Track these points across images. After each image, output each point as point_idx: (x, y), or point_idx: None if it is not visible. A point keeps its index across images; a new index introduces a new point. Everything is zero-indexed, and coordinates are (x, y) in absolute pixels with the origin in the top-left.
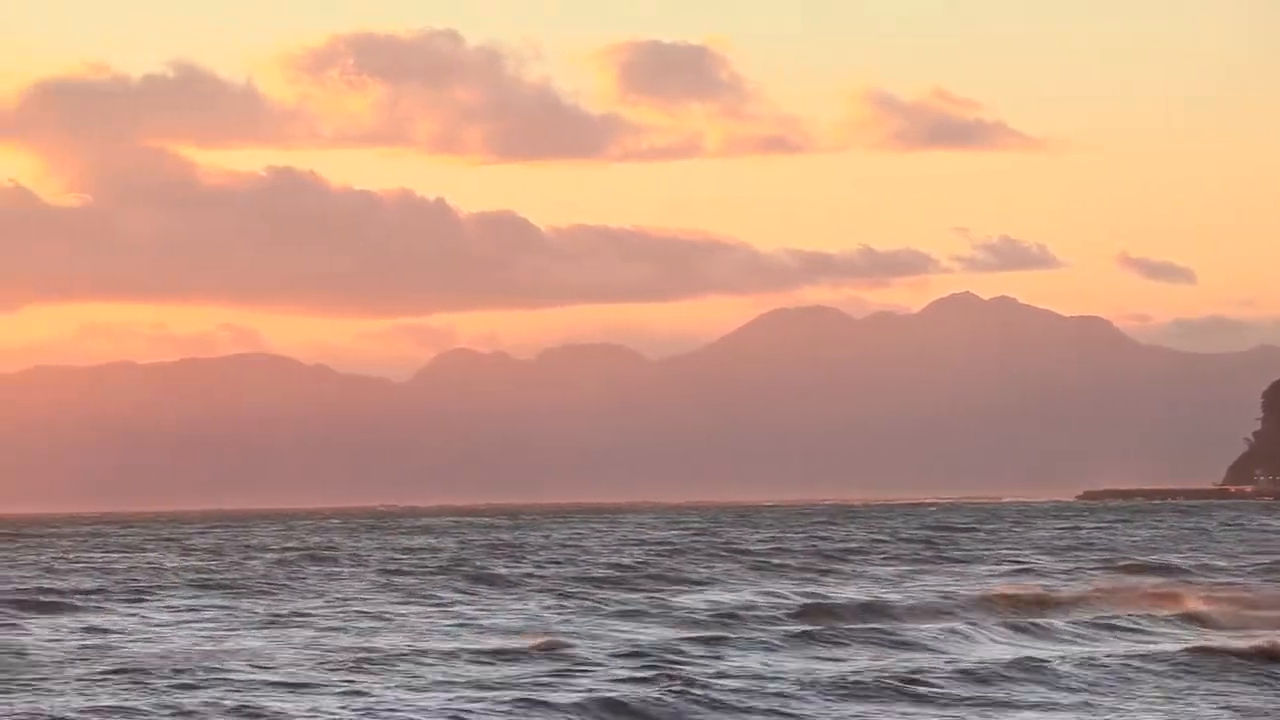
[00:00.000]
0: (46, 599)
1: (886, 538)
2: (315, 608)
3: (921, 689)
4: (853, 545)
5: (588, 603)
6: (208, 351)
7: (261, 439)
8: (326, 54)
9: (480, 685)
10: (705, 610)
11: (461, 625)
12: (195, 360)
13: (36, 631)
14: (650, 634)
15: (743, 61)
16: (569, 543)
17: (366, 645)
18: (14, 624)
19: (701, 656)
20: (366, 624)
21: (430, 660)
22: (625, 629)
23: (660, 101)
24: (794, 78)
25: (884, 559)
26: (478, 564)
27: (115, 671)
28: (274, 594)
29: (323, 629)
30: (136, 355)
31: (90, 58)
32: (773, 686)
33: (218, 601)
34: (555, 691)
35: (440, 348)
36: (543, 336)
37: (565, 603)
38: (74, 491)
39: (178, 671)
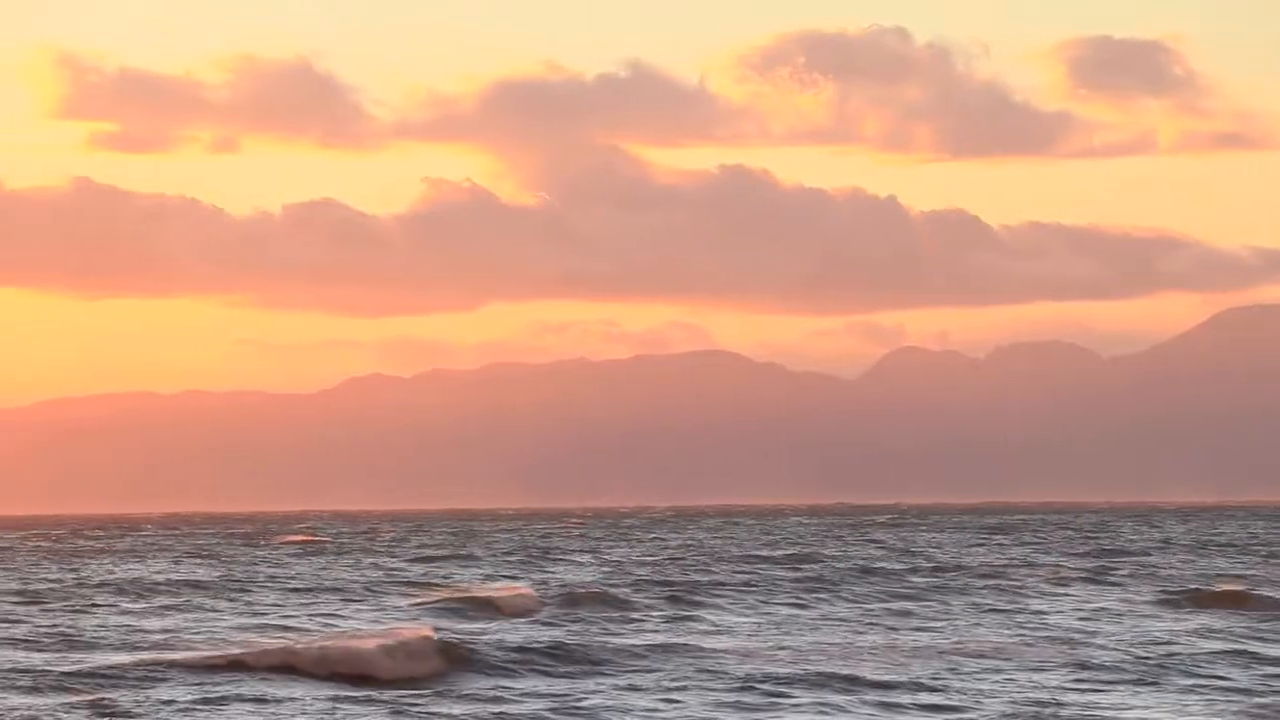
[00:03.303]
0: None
1: None
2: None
3: None
4: None
5: None
6: (659, 349)
7: (713, 435)
8: (776, 52)
9: None
10: None
11: None
12: (647, 357)
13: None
14: None
15: (1197, 57)
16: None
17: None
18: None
19: None
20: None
21: None
22: None
23: (1112, 98)
24: (1251, 73)
25: None
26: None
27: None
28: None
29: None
30: (590, 352)
31: (545, 58)
32: None
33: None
34: None
35: (890, 345)
36: (994, 334)
37: None
38: (531, 486)
39: None
